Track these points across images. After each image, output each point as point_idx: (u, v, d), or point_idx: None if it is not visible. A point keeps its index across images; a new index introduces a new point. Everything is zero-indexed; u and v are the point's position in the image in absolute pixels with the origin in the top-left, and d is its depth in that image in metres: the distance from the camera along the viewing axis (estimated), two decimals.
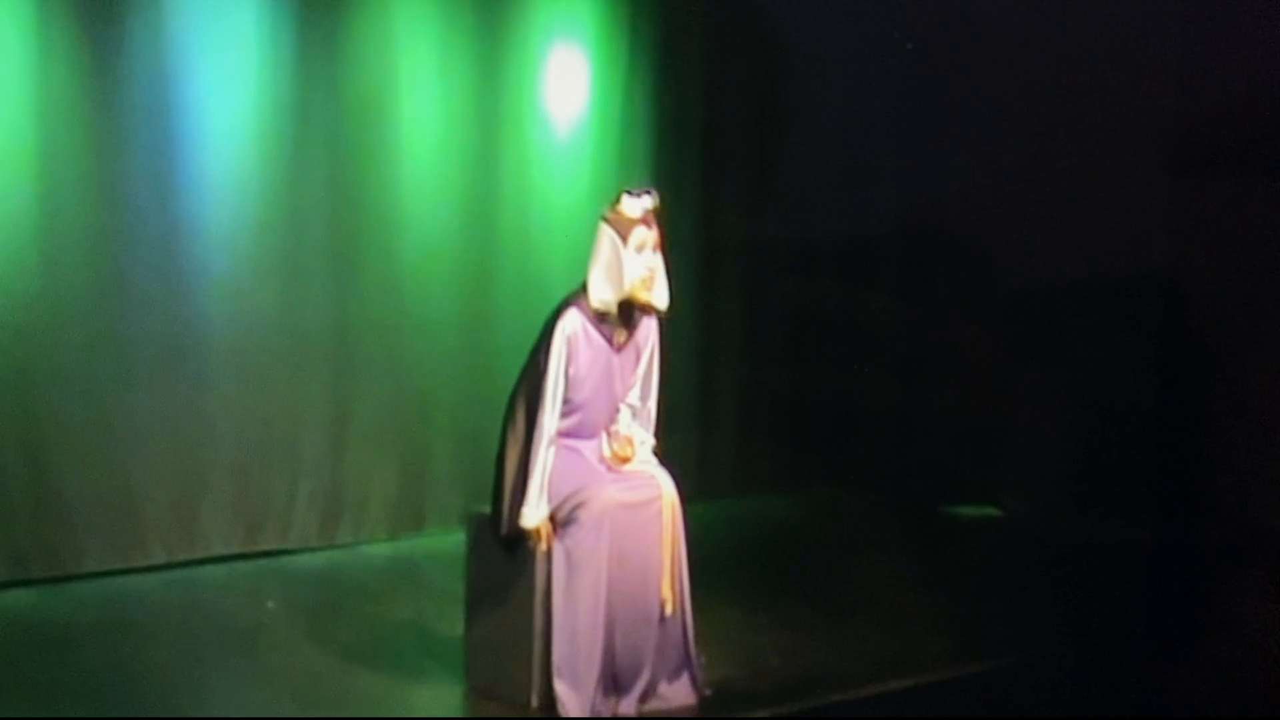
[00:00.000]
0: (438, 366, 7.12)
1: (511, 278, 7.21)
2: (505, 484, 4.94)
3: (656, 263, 4.85)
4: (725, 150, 8.04)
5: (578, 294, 4.91)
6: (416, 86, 7.13)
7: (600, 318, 4.90)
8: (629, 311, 4.95)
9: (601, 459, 5.00)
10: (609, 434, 5.01)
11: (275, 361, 6.76)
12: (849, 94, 7.22)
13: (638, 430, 5.06)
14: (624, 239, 4.81)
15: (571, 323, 4.86)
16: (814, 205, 7.48)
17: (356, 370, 7.03)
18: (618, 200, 4.85)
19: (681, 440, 6.79)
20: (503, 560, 4.98)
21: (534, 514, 4.88)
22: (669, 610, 4.89)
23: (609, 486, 4.87)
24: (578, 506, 4.86)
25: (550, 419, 4.84)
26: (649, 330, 5.03)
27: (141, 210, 6.39)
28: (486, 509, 5.05)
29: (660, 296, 4.93)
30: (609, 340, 4.95)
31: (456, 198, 7.23)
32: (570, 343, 4.84)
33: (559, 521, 4.87)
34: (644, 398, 5.07)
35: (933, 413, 7.01)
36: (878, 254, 7.81)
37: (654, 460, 5.09)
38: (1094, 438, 6.27)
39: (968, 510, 6.95)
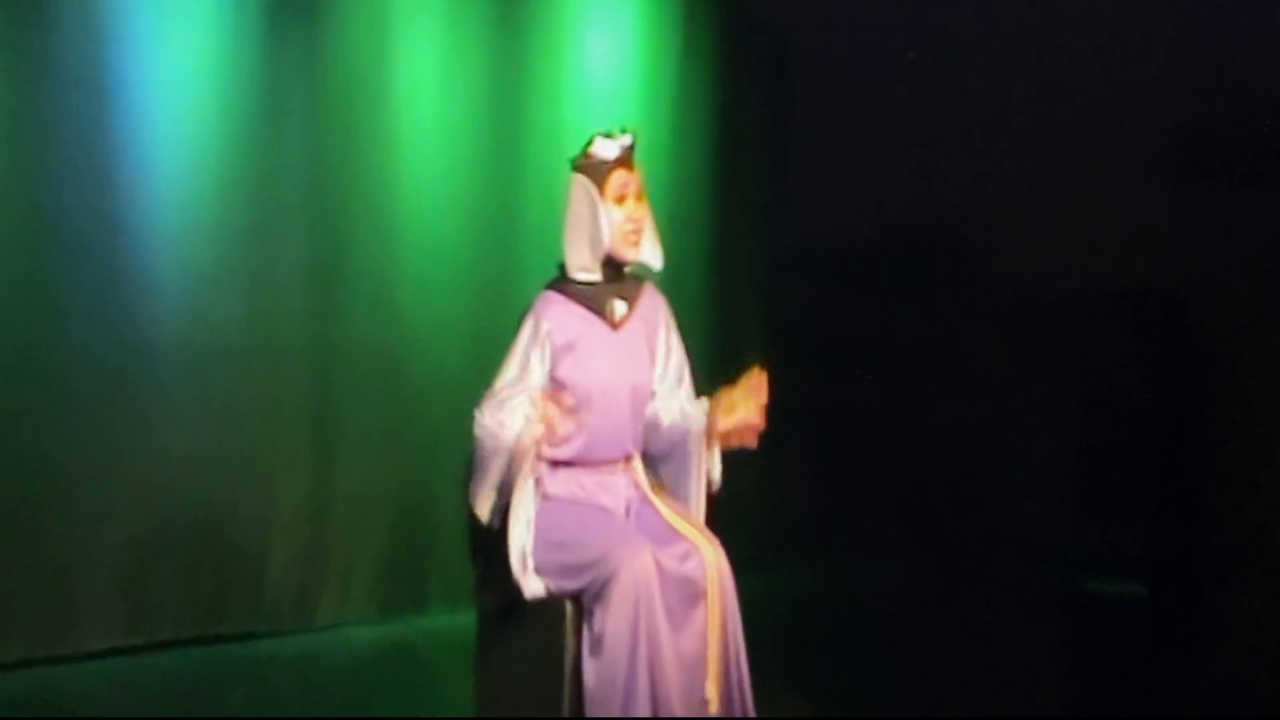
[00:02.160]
0: (443, 399, 6.27)
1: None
2: (477, 536, 4.40)
3: (643, 213, 4.44)
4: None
5: (552, 281, 4.51)
6: (416, 63, 6.50)
7: (586, 294, 4.44)
8: (620, 280, 4.48)
9: (637, 489, 4.41)
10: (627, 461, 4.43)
11: (240, 395, 6.12)
12: (852, 105, 7.12)
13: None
14: (600, 186, 4.38)
15: (548, 303, 4.42)
16: (842, 213, 7.36)
17: (342, 404, 6.38)
18: (589, 144, 4.44)
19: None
20: (520, 646, 4.41)
21: (522, 573, 4.31)
22: (713, 710, 4.24)
23: (643, 548, 4.19)
24: (608, 580, 4.17)
25: (493, 410, 4.28)
26: (654, 299, 4.56)
27: (69, 212, 5.72)
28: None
29: (652, 253, 4.50)
30: (602, 315, 4.45)
31: (466, 196, 6.60)
32: (550, 320, 4.37)
33: (583, 598, 4.25)
34: (676, 382, 4.55)
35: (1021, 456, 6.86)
36: (887, 266, 7.47)
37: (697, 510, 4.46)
38: (1097, 446, 6.36)
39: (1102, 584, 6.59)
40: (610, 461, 4.43)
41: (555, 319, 4.39)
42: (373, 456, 6.45)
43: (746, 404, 4.35)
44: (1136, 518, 6.36)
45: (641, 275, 4.58)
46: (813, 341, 7.25)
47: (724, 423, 4.38)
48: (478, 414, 4.31)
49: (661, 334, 4.55)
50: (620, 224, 4.42)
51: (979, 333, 6.86)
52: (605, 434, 4.42)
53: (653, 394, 4.52)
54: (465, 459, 4.39)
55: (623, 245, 4.44)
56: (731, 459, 4.53)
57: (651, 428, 4.50)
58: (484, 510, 4.29)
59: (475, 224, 6.70)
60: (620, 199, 4.42)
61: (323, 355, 6.37)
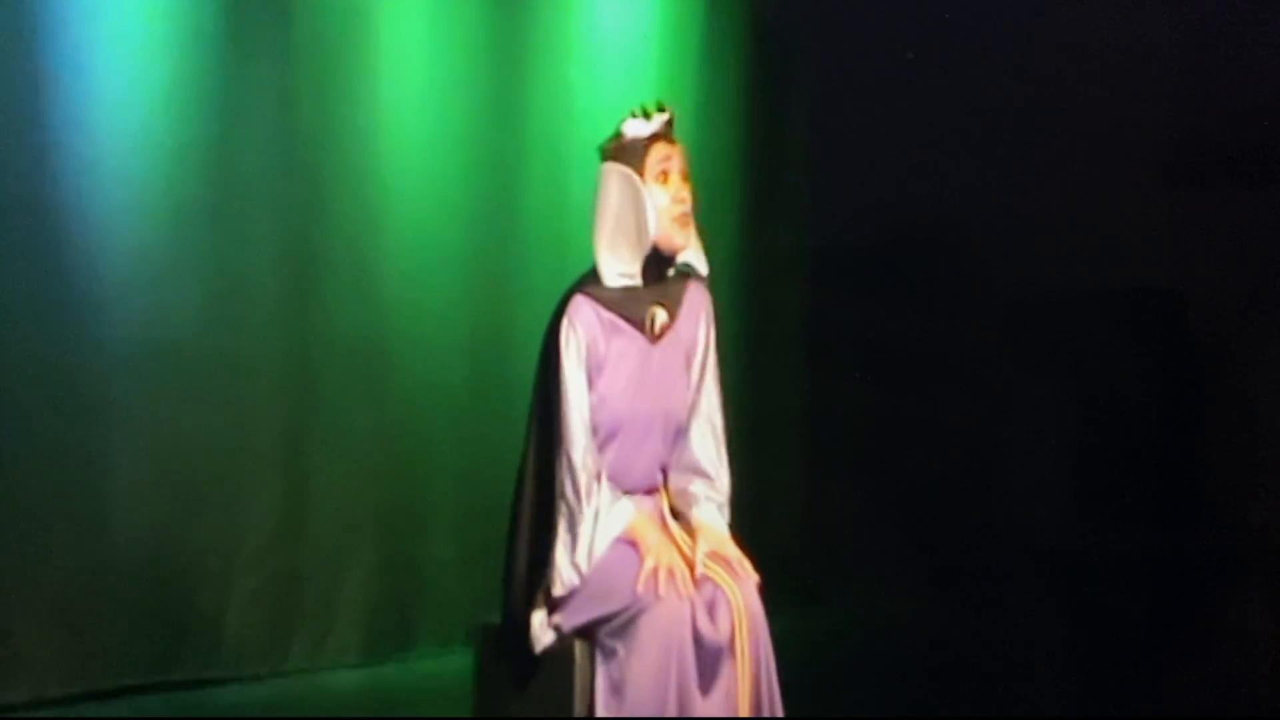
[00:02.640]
0: (435, 409, 6.16)
1: (540, 288, 5.96)
2: (518, 573, 4.09)
3: (689, 196, 4.10)
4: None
5: (580, 281, 4.14)
6: (402, 19, 6.21)
7: (621, 300, 4.09)
8: (662, 282, 4.11)
9: (660, 517, 4.11)
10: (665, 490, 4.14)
11: (200, 405, 5.82)
12: (849, 106, 7.29)
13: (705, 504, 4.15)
14: (638, 167, 4.05)
15: (580, 309, 4.06)
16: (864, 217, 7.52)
17: (318, 415, 6.07)
18: (619, 129, 4.14)
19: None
20: (525, 695, 4.23)
21: (574, 615, 4.00)
22: None
23: (680, 597, 3.92)
24: (627, 624, 3.92)
25: (584, 453, 4.05)
26: (696, 303, 4.16)
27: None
28: (498, 618, 4.30)
29: (698, 252, 4.15)
30: (640, 327, 4.10)
31: (461, 172, 6.36)
32: (585, 331, 4.05)
33: (600, 643, 4.01)
34: (700, 411, 4.21)
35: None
36: (888, 267, 7.61)
37: (726, 540, 4.08)
38: (1096, 446, 6.61)
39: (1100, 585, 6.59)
40: (632, 492, 4.10)
41: (590, 330, 4.05)
42: (353, 475, 6.13)
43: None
44: (1135, 519, 6.46)
45: (687, 271, 4.25)
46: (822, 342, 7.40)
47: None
48: (573, 454, 4.02)
49: (700, 340, 4.18)
50: (666, 206, 4.05)
51: (978, 334, 6.93)
52: (633, 466, 4.10)
53: (687, 418, 4.20)
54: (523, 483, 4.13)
55: (672, 231, 4.07)
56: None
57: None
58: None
59: (472, 206, 6.38)
60: (663, 176, 4.07)
61: (296, 358, 6.05)
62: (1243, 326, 6.19)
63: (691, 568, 3.98)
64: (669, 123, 4.13)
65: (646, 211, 4.04)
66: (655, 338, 4.12)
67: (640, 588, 3.85)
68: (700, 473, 4.18)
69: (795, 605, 5.73)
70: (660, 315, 4.12)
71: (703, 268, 4.18)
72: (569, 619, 3.99)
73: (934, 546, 6.99)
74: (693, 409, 4.20)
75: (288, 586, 6.01)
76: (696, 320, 4.18)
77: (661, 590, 3.82)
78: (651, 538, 3.95)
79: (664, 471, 4.16)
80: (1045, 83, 6.56)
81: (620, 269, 4.06)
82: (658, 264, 4.08)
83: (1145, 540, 6.51)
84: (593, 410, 4.07)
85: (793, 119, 7.80)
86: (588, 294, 4.07)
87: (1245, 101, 6.08)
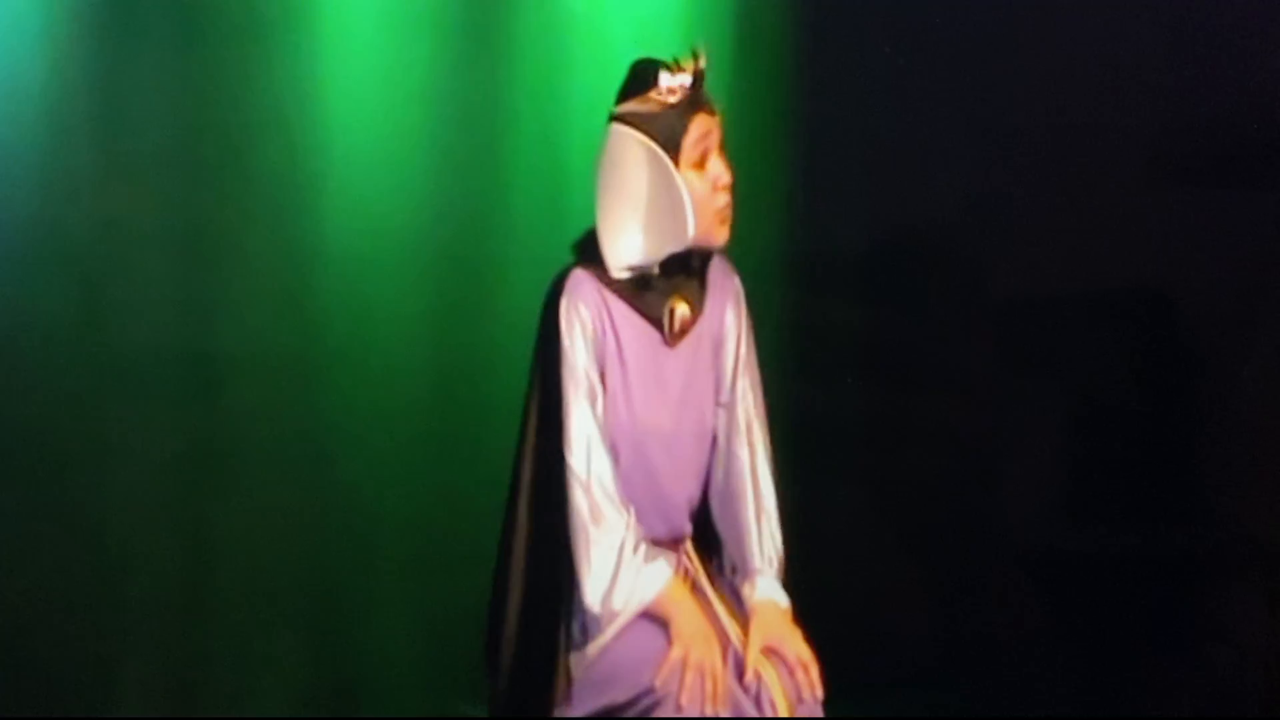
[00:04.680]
0: (381, 439, 5.06)
1: (526, 277, 4.85)
2: (508, 624, 3.55)
3: (729, 178, 3.53)
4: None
5: (579, 255, 3.58)
6: None
7: (633, 288, 3.54)
8: (685, 268, 3.58)
9: (687, 576, 3.55)
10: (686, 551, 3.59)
11: (73, 425, 4.80)
12: (847, 105, 6.74)
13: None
14: (673, 148, 3.46)
15: (581, 285, 3.50)
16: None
17: (221, 445, 4.97)
18: (639, 78, 3.52)
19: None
20: None
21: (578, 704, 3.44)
22: None
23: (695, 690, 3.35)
24: (648, 709, 3.41)
25: (595, 459, 3.44)
26: (723, 286, 3.64)
27: None
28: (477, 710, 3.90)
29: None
30: (657, 325, 3.55)
31: (422, 129, 5.23)
32: (591, 311, 3.49)
33: None
34: (737, 424, 3.66)
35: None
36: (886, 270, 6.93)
37: (787, 634, 3.48)
38: (1089, 448, 6.64)
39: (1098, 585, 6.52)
40: (654, 543, 3.49)
41: (597, 312, 3.51)
42: (268, 521, 4.94)
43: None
44: (1131, 520, 6.41)
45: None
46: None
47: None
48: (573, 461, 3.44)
49: (730, 345, 3.62)
50: (707, 197, 3.50)
51: (971, 336, 6.66)
52: (650, 505, 3.51)
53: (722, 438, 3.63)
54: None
55: (714, 228, 3.53)
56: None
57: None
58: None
59: (437, 172, 5.18)
60: (702, 161, 3.51)
61: (199, 366, 4.90)
62: (1238, 328, 6.22)
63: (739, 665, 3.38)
64: (702, 74, 3.51)
65: (685, 210, 3.43)
66: (675, 338, 3.55)
67: (659, 681, 3.33)
68: (743, 522, 3.63)
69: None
70: (681, 310, 3.56)
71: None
72: (573, 708, 3.48)
73: (929, 549, 6.63)
74: (729, 424, 3.66)
75: (188, 667, 4.82)
76: (724, 305, 3.62)
77: (687, 691, 3.31)
78: (686, 621, 3.38)
79: (692, 516, 3.59)
80: (1044, 82, 6.41)
81: (634, 261, 3.49)
82: (684, 255, 3.53)
83: (1141, 542, 6.46)
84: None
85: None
86: (592, 270, 3.51)
87: (1237, 103, 6.11)
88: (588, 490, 3.50)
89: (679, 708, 3.36)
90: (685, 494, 3.61)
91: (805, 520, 5.75)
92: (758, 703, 3.44)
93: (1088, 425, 6.89)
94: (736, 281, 3.66)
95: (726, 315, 3.66)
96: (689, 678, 3.32)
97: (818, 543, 6.33)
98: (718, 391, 3.64)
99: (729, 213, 3.58)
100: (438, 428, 5.22)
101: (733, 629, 3.50)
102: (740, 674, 3.41)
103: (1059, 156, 6.59)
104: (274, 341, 4.96)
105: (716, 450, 3.66)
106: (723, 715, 3.39)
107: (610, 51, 5.06)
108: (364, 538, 5.09)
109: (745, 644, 3.46)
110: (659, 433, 3.58)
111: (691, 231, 3.49)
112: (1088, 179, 6.59)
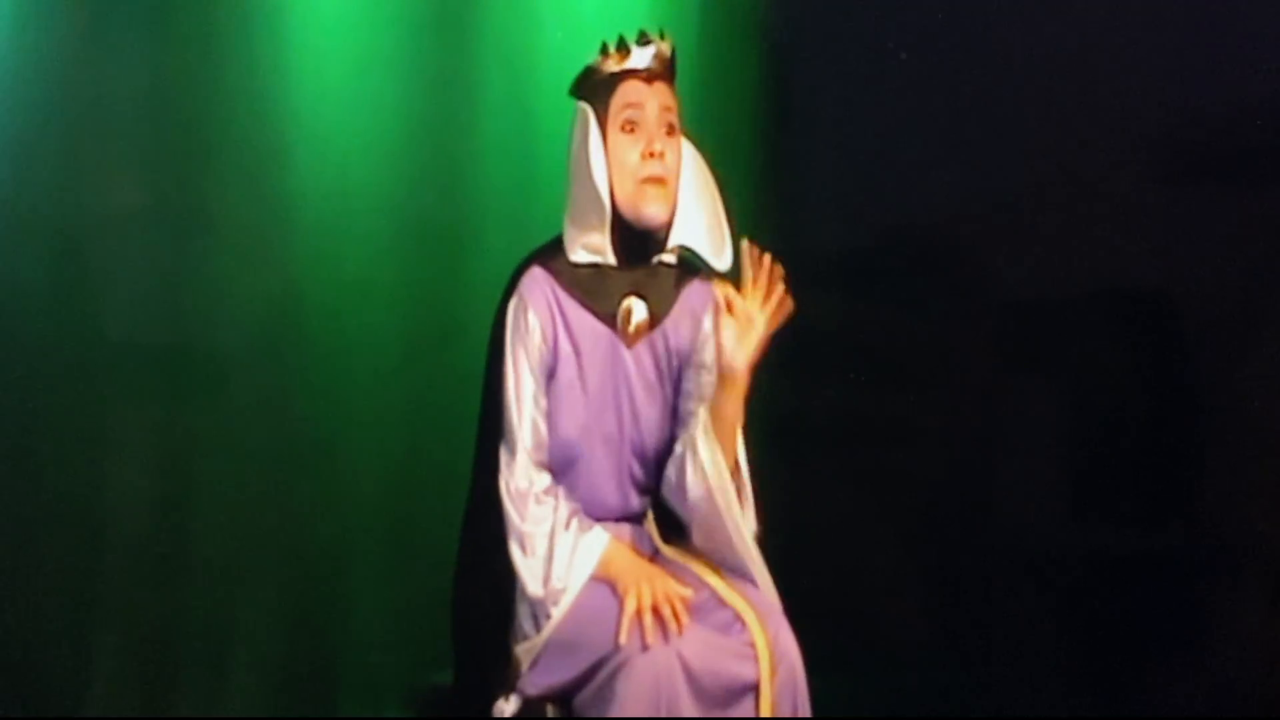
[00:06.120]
0: (357, 420, 5.02)
1: (500, 254, 4.64)
2: (472, 621, 3.64)
3: (672, 151, 3.48)
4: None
5: (540, 251, 3.59)
6: None
7: (588, 282, 3.52)
8: (646, 265, 3.54)
9: (649, 542, 3.59)
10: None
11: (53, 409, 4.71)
12: (845, 106, 6.71)
13: None
14: (601, 109, 3.49)
15: (534, 286, 3.51)
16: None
17: (196, 427, 4.90)
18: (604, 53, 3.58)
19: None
20: None
21: (542, 675, 3.47)
22: None
23: (665, 644, 3.35)
24: (611, 676, 3.38)
25: (527, 463, 3.47)
26: (695, 305, 3.57)
27: None
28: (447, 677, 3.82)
29: (712, 240, 3.54)
30: (609, 321, 3.53)
31: (395, 113, 5.14)
32: (539, 314, 3.49)
33: (577, 699, 3.48)
34: (699, 436, 3.56)
35: None
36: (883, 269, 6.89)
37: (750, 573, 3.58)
38: (1089, 447, 6.56)
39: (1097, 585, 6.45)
40: (603, 520, 3.55)
41: (545, 313, 3.50)
42: (246, 501, 4.89)
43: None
44: (1130, 520, 6.35)
45: (695, 265, 3.65)
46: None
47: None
48: (514, 509, 3.47)
49: (694, 364, 3.57)
50: (633, 165, 3.47)
51: (972, 335, 6.59)
52: (599, 489, 3.57)
53: (671, 442, 3.57)
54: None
55: (636, 197, 3.47)
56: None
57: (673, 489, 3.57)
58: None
59: (406, 146, 5.11)
60: (630, 126, 3.50)
61: (168, 337, 4.84)
62: (1239, 327, 6.21)
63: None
64: (660, 58, 3.53)
65: (595, 172, 3.44)
66: (631, 338, 3.54)
67: (623, 638, 3.33)
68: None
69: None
70: (638, 310, 3.56)
71: (718, 261, 3.53)
72: (536, 681, 3.51)
73: (927, 550, 6.60)
74: (692, 428, 3.56)
75: (163, 645, 4.78)
76: (694, 325, 3.57)
77: (648, 638, 3.30)
78: (630, 571, 3.40)
79: (650, 494, 3.62)
80: (1034, 85, 6.35)
81: (583, 240, 3.52)
82: (638, 241, 3.51)
83: (1141, 541, 6.42)
84: (547, 420, 3.53)
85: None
86: (548, 268, 3.53)
87: (1240, 101, 6.09)
88: (509, 489, 3.52)
89: (650, 655, 3.34)
90: (634, 477, 3.63)
91: (802, 520, 5.70)
92: (726, 637, 3.41)
93: (1088, 424, 6.81)
94: (718, 293, 3.51)
95: (696, 338, 3.59)
96: (647, 619, 3.34)
97: (814, 543, 6.11)
98: (681, 397, 3.60)
99: (664, 188, 3.49)
100: (409, 394, 5.16)
101: (713, 579, 3.51)
102: (723, 628, 3.39)
103: (1058, 155, 6.52)
104: (245, 313, 4.90)
105: (664, 451, 3.63)
106: (690, 631, 3.36)
107: (581, 20, 5.12)
108: (336, 503, 5.06)
109: (727, 589, 3.43)
110: (612, 429, 3.59)
111: (602, 187, 3.46)
112: (1087, 178, 6.54)
